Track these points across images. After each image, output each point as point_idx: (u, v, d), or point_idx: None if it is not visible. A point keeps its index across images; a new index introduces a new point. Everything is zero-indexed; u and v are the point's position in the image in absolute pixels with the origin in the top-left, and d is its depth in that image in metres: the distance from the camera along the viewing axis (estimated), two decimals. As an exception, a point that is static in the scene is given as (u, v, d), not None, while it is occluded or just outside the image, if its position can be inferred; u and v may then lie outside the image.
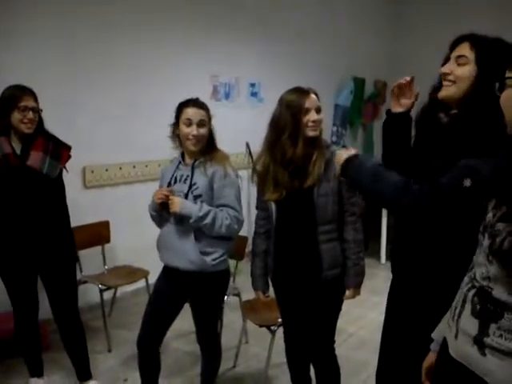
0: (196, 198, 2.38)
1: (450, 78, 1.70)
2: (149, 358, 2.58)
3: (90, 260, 3.82)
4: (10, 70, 3.33)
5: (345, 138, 6.76)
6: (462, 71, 1.68)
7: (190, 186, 2.40)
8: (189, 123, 2.37)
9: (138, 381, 2.65)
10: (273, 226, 2.36)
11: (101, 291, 3.54)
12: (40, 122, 2.62)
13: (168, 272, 2.52)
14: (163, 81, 4.44)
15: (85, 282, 3.65)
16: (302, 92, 2.22)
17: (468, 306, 1.29)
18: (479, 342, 1.24)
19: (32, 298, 2.77)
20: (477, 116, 1.62)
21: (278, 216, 2.31)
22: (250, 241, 3.43)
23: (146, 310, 2.58)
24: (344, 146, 2.48)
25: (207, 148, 2.45)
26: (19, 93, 2.51)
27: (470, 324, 1.27)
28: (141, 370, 2.60)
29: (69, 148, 2.72)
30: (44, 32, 3.66)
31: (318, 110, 2.22)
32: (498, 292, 1.21)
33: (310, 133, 2.19)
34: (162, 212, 2.44)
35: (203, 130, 2.39)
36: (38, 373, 2.94)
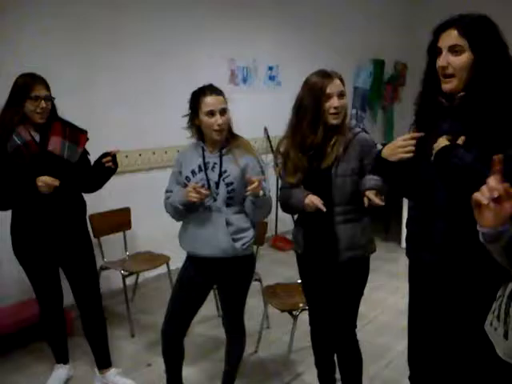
0: (228, 185, 2.36)
1: (449, 71, 1.68)
2: (174, 347, 2.58)
3: (111, 246, 3.86)
4: (27, 55, 3.34)
5: (364, 120, 6.69)
6: (460, 61, 1.65)
7: (221, 174, 2.38)
8: (212, 113, 2.32)
9: (161, 366, 2.68)
10: None
11: (123, 277, 3.58)
12: (53, 109, 2.62)
13: (195, 261, 2.49)
14: (181, 66, 4.43)
15: (107, 268, 3.69)
16: (324, 76, 2.19)
17: None
18: None
19: (55, 285, 2.80)
20: (488, 93, 1.62)
21: None
22: (269, 226, 3.45)
23: (172, 300, 2.55)
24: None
25: (228, 133, 2.42)
26: (30, 82, 2.50)
27: None
28: (165, 358, 2.60)
29: (85, 132, 2.73)
30: (60, 18, 3.65)
31: (341, 96, 2.18)
32: None
33: (332, 121, 2.17)
34: (192, 205, 2.36)
35: (226, 118, 2.36)
36: (63, 359, 2.99)
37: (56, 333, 2.92)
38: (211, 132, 2.35)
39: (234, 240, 2.37)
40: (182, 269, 2.57)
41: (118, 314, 3.81)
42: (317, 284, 2.43)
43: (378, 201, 2.03)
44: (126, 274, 3.60)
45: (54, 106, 2.64)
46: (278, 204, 2.49)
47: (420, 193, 1.83)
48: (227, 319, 2.63)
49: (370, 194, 2.04)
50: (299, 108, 2.22)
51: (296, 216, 2.52)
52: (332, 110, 2.15)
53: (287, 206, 2.37)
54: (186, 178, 2.42)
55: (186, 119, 2.43)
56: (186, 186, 2.39)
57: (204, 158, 2.41)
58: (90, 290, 2.82)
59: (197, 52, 4.57)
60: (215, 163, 2.39)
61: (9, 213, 2.67)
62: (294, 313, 2.89)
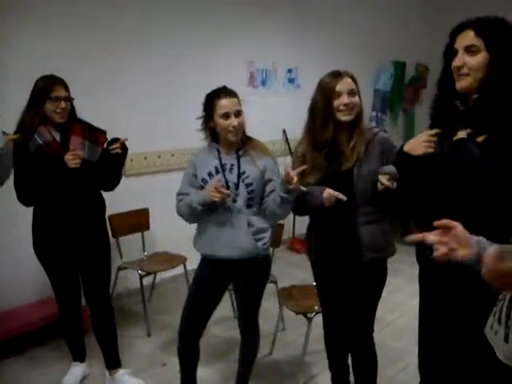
0: (248, 186, 2.37)
1: (464, 71, 1.66)
2: (190, 347, 2.59)
3: (129, 246, 3.90)
4: (46, 58, 3.37)
5: (384, 123, 6.64)
6: (476, 61, 1.64)
7: (239, 175, 2.39)
8: (226, 116, 2.33)
9: (176, 365, 2.69)
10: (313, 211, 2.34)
11: (140, 277, 3.61)
12: (72, 110, 2.67)
13: (211, 263, 2.48)
14: (200, 68, 4.45)
15: (125, 268, 3.73)
16: (335, 75, 2.21)
17: None
18: None
19: (73, 284, 2.84)
20: (502, 94, 1.60)
21: None
22: (286, 228, 3.45)
23: (188, 301, 2.56)
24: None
25: (243, 135, 2.43)
26: (50, 83, 2.55)
27: None
28: (181, 358, 2.62)
29: (104, 132, 2.77)
30: (81, 20, 3.70)
31: (352, 94, 2.19)
32: None
33: (342, 117, 2.18)
34: (211, 206, 2.35)
35: (241, 119, 2.37)
36: (80, 357, 3.03)
37: (73, 331, 2.96)
38: (226, 134, 2.35)
39: (256, 240, 2.38)
40: (197, 270, 2.58)
41: (135, 313, 3.85)
42: (334, 287, 2.41)
43: (388, 183, 2.02)
44: (144, 273, 3.64)
45: (73, 107, 2.69)
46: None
47: (432, 192, 1.82)
48: (242, 320, 2.63)
49: (382, 178, 2.04)
50: (312, 108, 2.25)
51: (308, 221, 2.49)
52: (341, 107, 2.17)
53: (302, 205, 2.32)
54: (203, 180, 2.41)
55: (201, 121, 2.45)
56: (202, 188, 2.40)
57: (220, 159, 2.42)
58: (101, 290, 2.85)
59: (215, 54, 4.59)
60: (232, 165, 2.40)
61: (30, 212, 2.72)
62: (309, 315, 2.89)
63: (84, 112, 2.76)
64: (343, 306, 2.41)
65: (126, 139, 2.73)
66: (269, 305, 3.44)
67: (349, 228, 2.24)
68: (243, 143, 2.43)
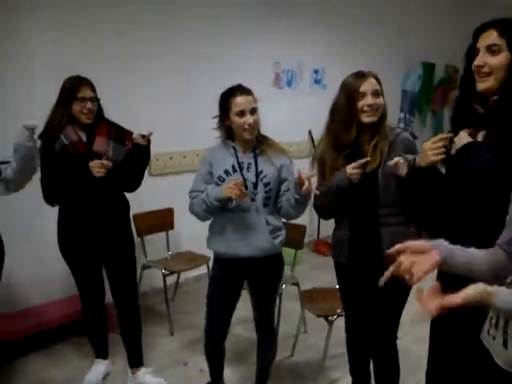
0: (266, 185, 2.38)
1: (485, 70, 1.64)
2: (215, 347, 2.65)
3: (154, 246, 3.93)
4: (72, 58, 3.42)
5: (413, 124, 6.55)
6: (497, 60, 1.62)
7: (257, 174, 2.39)
8: (242, 113, 2.34)
9: (197, 364, 2.73)
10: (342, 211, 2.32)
11: (164, 276, 3.65)
12: (99, 110, 2.70)
13: (227, 262, 2.50)
14: (225, 68, 4.44)
15: (149, 267, 3.77)
16: (359, 75, 2.19)
17: None
18: None
19: (97, 282, 2.88)
20: None
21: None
22: (311, 230, 3.44)
23: (208, 302, 2.59)
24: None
25: (258, 134, 2.44)
26: (77, 84, 2.59)
27: None
28: (208, 358, 2.67)
29: (130, 133, 2.79)
30: (105, 19, 3.71)
31: (376, 94, 2.16)
32: None
33: (366, 119, 2.16)
34: (227, 203, 2.37)
35: (256, 117, 2.38)
36: (102, 355, 3.08)
37: (97, 329, 3.01)
38: (242, 132, 2.37)
39: (273, 238, 2.41)
40: (213, 270, 2.61)
41: (159, 312, 3.89)
42: (359, 290, 2.38)
43: (401, 160, 1.97)
44: (167, 273, 3.67)
45: (100, 108, 2.72)
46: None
47: (445, 203, 1.79)
48: (260, 321, 2.64)
49: (397, 158, 1.99)
50: (334, 109, 2.23)
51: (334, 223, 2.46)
52: (365, 108, 2.14)
53: (327, 203, 2.30)
54: (219, 177, 2.42)
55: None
56: (218, 185, 2.41)
57: (237, 158, 2.42)
58: (128, 289, 2.88)
59: (243, 55, 4.59)
60: (250, 163, 2.41)
61: (55, 211, 2.77)
62: (330, 318, 2.87)
63: (109, 112, 2.79)
64: (367, 310, 2.38)
65: (151, 133, 2.72)
66: (291, 307, 3.44)
67: (372, 229, 2.22)
68: (259, 142, 2.44)
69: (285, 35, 4.94)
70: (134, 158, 2.72)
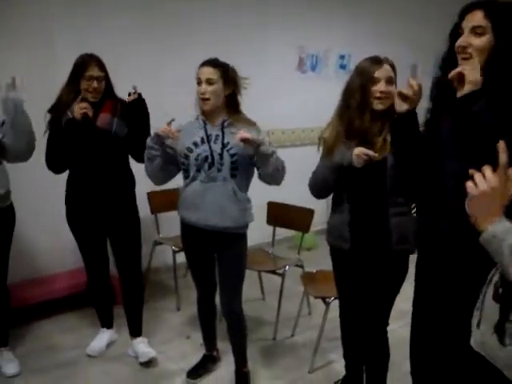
0: (232, 156, 2.43)
1: (469, 50, 1.61)
2: (204, 308, 2.83)
3: (168, 223, 4.00)
4: (97, 45, 3.44)
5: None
6: (481, 42, 1.59)
7: (224, 145, 2.45)
8: (198, 82, 2.43)
9: (199, 339, 2.80)
10: (344, 196, 2.28)
11: (174, 252, 3.72)
12: (109, 89, 2.76)
13: (195, 231, 2.55)
14: (250, 52, 4.44)
15: (161, 244, 3.85)
16: (374, 61, 2.15)
17: (490, 291, 1.21)
18: (499, 329, 1.16)
19: (101, 254, 2.98)
20: (502, 81, 1.55)
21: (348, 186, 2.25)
22: (316, 214, 3.43)
23: (190, 270, 2.80)
24: None
25: (231, 109, 2.49)
26: (87, 61, 2.65)
27: (491, 310, 1.20)
28: (199, 318, 2.85)
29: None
30: (125, 6, 3.80)
31: (390, 82, 2.13)
32: None
33: (378, 105, 2.13)
34: (164, 147, 2.46)
35: (211, 88, 2.40)
36: (107, 324, 3.19)
37: (101, 299, 3.11)
38: (199, 101, 2.45)
39: (243, 209, 2.48)
40: (182, 237, 2.72)
41: (169, 287, 3.98)
42: (354, 278, 2.36)
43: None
44: (177, 249, 3.74)
45: (110, 86, 2.77)
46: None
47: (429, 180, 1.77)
48: (225, 298, 2.66)
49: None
50: (347, 91, 2.20)
51: (331, 203, 2.41)
52: (378, 94, 2.11)
53: (320, 177, 2.28)
54: (188, 148, 2.48)
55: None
56: (186, 157, 2.47)
57: (206, 130, 2.49)
58: (131, 261, 2.96)
59: (268, 39, 4.59)
60: (217, 135, 2.47)
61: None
62: (327, 300, 2.88)
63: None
64: (362, 296, 2.37)
65: (135, 86, 2.77)
66: (295, 288, 3.47)
67: (380, 218, 2.19)
68: (228, 115, 2.48)
69: (311, 20, 4.90)
70: (133, 116, 2.75)
